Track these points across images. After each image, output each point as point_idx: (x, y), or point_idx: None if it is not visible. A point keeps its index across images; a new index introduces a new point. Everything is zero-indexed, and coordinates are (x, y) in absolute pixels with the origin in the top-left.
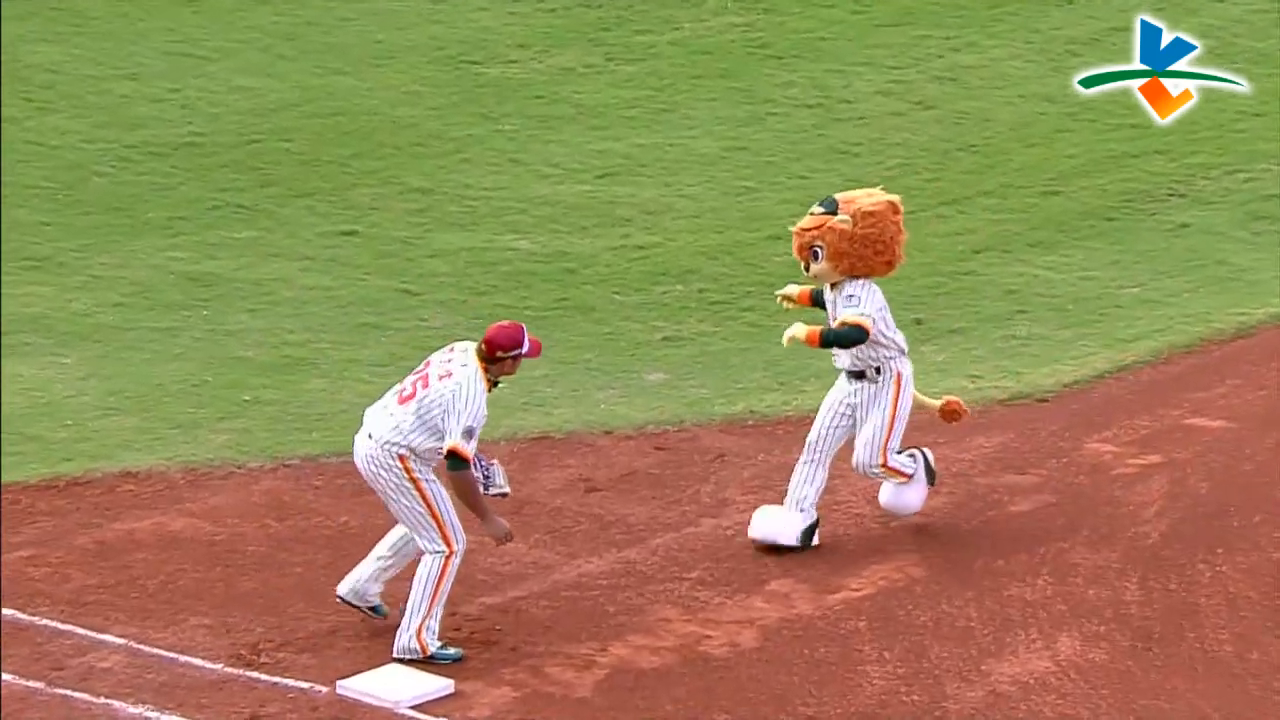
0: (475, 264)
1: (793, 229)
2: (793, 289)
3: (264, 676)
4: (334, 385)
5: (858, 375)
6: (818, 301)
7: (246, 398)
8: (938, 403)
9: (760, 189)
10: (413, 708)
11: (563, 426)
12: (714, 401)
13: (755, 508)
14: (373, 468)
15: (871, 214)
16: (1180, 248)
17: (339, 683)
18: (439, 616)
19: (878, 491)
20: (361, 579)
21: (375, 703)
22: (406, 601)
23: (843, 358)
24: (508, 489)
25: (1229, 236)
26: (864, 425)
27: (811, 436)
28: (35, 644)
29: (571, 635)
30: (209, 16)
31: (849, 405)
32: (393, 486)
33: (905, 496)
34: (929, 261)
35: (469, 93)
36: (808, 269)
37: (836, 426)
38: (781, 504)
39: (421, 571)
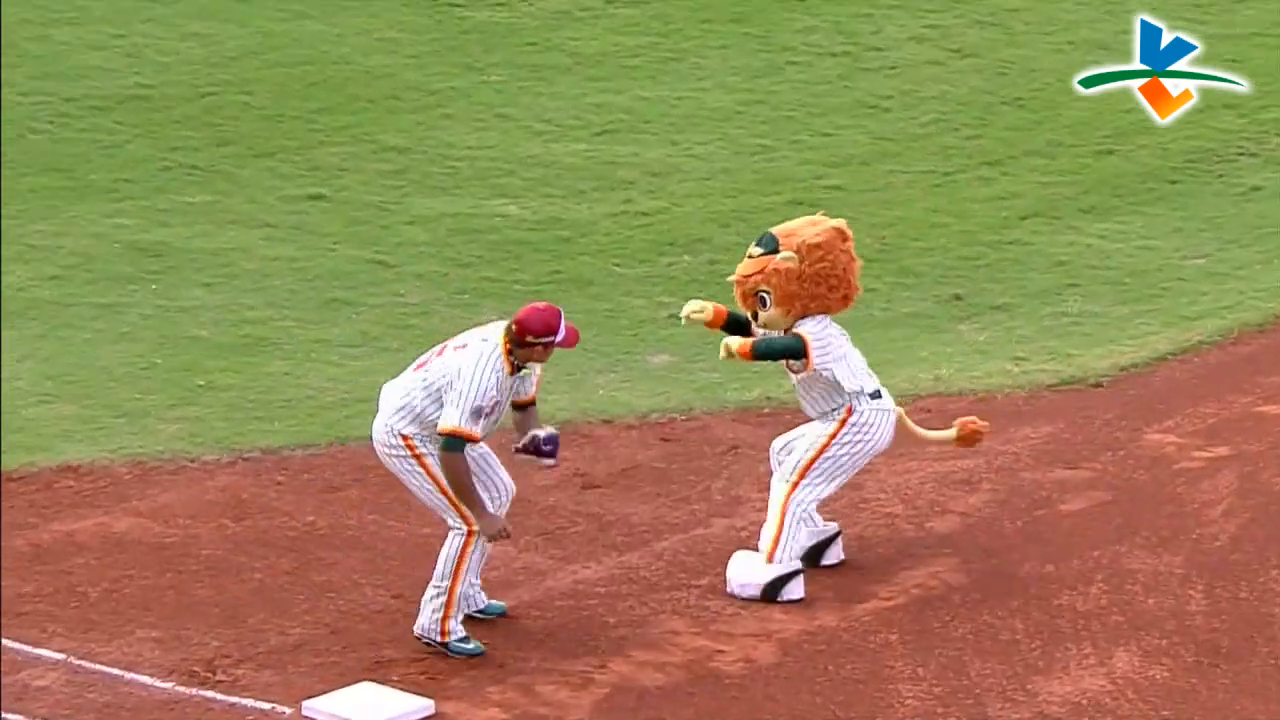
0: (458, 232)
1: (731, 278)
2: (702, 307)
3: (220, 696)
4: (299, 368)
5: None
6: (733, 325)
7: (201, 383)
8: (952, 431)
9: (778, 148)
10: None
11: (556, 415)
12: (726, 387)
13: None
14: (381, 449)
15: (818, 246)
16: (1251, 213)
17: (305, 703)
18: (465, 597)
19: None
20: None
21: None
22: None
23: (807, 407)
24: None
25: None
26: (799, 440)
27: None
28: None
29: (567, 650)
30: None
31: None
32: (401, 469)
33: (749, 572)
34: (968, 230)
35: (451, 39)
36: (755, 318)
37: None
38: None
39: (444, 550)
